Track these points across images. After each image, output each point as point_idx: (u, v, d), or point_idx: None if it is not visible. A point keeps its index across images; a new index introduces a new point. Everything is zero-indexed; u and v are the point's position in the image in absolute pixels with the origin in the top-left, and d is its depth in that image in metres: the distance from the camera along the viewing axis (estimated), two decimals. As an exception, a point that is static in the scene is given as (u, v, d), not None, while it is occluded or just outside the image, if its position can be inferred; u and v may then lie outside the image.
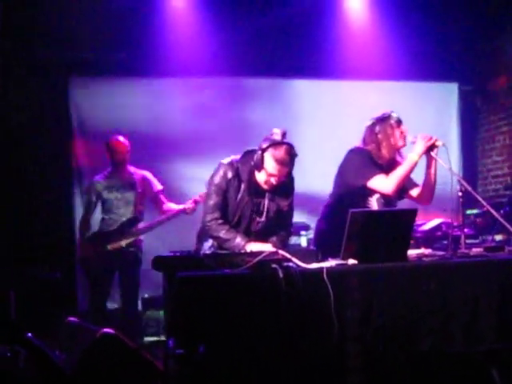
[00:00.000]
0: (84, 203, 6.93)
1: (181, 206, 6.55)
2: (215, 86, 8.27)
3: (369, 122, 5.02)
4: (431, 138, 4.77)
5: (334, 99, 8.53)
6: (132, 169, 6.74)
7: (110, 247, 6.44)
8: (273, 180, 4.39)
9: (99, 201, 6.68)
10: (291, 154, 4.34)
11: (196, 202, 6.44)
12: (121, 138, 6.67)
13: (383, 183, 4.83)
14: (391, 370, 3.81)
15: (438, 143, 4.78)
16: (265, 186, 4.45)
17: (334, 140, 7.57)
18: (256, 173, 4.42)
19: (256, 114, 8.12)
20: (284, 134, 4.36)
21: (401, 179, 4.83)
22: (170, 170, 7.92)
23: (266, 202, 4.53)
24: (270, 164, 4.33)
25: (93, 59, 7.68)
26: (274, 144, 4.32)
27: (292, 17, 7.75)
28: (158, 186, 6.76)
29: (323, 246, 4.39)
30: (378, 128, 4.94)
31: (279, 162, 4.31)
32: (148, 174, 6.78)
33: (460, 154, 9.10)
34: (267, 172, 4.37)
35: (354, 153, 4.99)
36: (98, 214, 6.75)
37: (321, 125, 8.42)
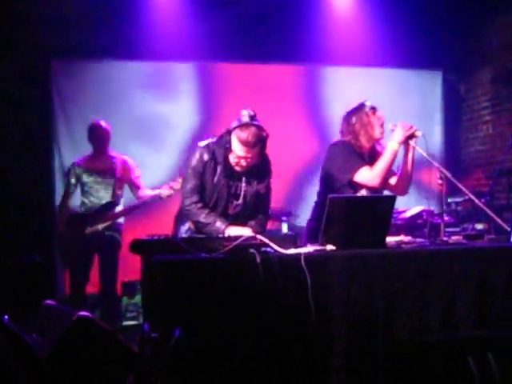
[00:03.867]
0: (64, 186, 6.92)
1: (156, 192, 6.52)
2: (198, 70, 8.29)
3: (344, 114, 5.01)
4: (411, 128, 4.75)
5: (317, 84, 8.52)
6: (113, 153, 6.74)
7: (87, 230, 6.43)
8: (242, 162, 4.40)
9: (79, 184, 6.67)
10: (258, 136, 4.33)
11: (172, 188, 6.40)
12: (102, 123, 6.68)
13: (368, 176, 4.81)
14: (372, 357, 3.81)
15: (418, 133, 4.76)
16: (237, 168, 4.46)
17: (319, 124, 7.56)
18: (229, 155, 4.43)
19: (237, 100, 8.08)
20: (252, 116, 4.35)
21: (385, 170, 4.81)
22: (151, 155, 7.91)
23: (243, 185, 4.53)
24: (237, 146, 4.35)
25: (76, 43, 7.61)
26: (240, 126, 4.33)
27: (275, 3, 7.71)
28: (137, 173, 6.77)
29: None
30: (354, 118, 4.91)
31: (244, 143, 4.32)
32: (129, 160, 6.78)
33: (443, 142, 9.10)
34: (235, 154, 4.38)
35: (336, 147, 4.96)
36: (78, 198, 6.73)
37: (305, 110, 8.38)
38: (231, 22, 7.70)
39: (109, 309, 6.56)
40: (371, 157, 4.93)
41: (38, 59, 7.62)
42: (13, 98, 7.45)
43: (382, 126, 4.93)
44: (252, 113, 4.36)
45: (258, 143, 4.35)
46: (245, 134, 4.30)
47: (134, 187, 6.75)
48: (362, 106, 4.93)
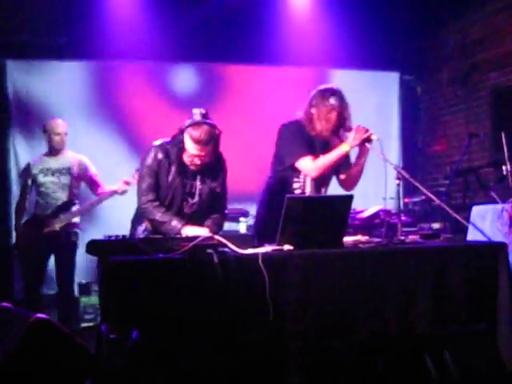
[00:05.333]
0: (20, 187, 6.85)
1: (113, 187, 6.52)
2: (154, 70, 8.30)
3: (310, 94, 4.90)
4: (367, 131, 4.73)
5: (276, 85, 8.56)
6: (69, 152, 6.69)
7: (45, 230, 6.38)
8: (196, 160, 4.41)
9: (34, 184, 6.61)
10: (211, 134, 4.34)
11: (127, 183, 6.42)
12: (59, 121, 6.64)
13: (308, 166, 4.77)
14: (329, 357, 3.86)
15: (373, 137, 4.73)
16: (191, 167, 4.47)
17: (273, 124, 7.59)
18: (183, 154, 4.43)
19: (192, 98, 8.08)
20: (204, 114, 4.37)
21: (326, 166, 4.79)
22: (109, 152, 7.91)
23: (198, 183, 4.54)
24: (189, 144, 4.36)
25: (32, 42, 7.58)
26: (192, 124, 4.34)
27: (234, 4, 7.73)
28: (94, 170, 6.73)
29: (262, 230, 4.44)
30: (314, 107, 4.83)
31: (196, 141, 4.32)
32: (84, 158, 6.73)
33: (400, 143, 9.18)
34: (189, 152, 4.39)
35: (285, 128, 4.90)
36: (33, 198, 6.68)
37: (262, 110, 8.42)
38: (192, 22, 7.70)
39: (66, 310, 6.51)
40: (325, 145, 4.88)
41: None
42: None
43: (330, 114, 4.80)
44: (203, 111, 4.37)
45: (211, 141, 4.36)
46: (197, 133, 4.31)
47: (93, 185, 6.71)
48: (326, 95, 4.82)
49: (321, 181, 4.89)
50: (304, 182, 4.83)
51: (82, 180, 6.68)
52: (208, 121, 4.37)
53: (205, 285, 3.56)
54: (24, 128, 7.78)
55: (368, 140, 4.75)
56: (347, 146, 4.76)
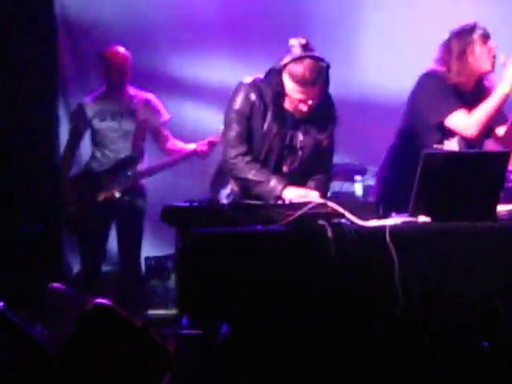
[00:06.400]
0: (69, 131, 6.85)
1: (192, 146, 6.49)
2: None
3: (446, 37, 4.91)
4: None
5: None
6: (132, 90, 6.64)
7: (100, 197, 6.42)
8: (302, 106, 4.35)
9: (88, 130, 6.64)
10: (317, 69, 4.28)
11: (211, 144, 6.36)
12: (120, 49, 6.58)
13: (464, 122, 4.76)
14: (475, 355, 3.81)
15: None
16: (297, 115, 4.42)
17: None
18: (284, 100, 4.39)
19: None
20: (305, 45, 4.30)
21: (487, 118, 4.75)
22: (182, 95, 7.82)
23: (300, 134, 4.49)
24: (291, 87, 4.30)
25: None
26: (292, 61, 4.27)
27: None
28: (165, 116, 6.68)
29: (387, 200, 4.31)
30: (456, 45, 4.84)
31: (301, 82, 4.26)
32: (153, 98, 6.68)
33: None
34: (291, 97, 4.34)
35: (429, 78, 4.90)
36: (87, 150, 6.72)
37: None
38: None
39: (131, 294, 6.51)
40: (475, 96, 4.88)
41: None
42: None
43: (492, 60, 4.83)
44: (304, 41, 4.31)
45: (319, 79, 4.30)
46: (299, 70, 4.24)
47: (161, 137, 6.67)
48: (470, 29, 4.82)
49: (471, 146, 4.87)
50: (450, 145, 4.85)
51: (149, 128, 6.62)
52: (312, 53, 4.30)
53: (316, 266, 3.57)
54: (75, 59, 7.79)
55: None
56: (506, 86, 4.69)
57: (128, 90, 6.62)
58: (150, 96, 6.68)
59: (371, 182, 6.40)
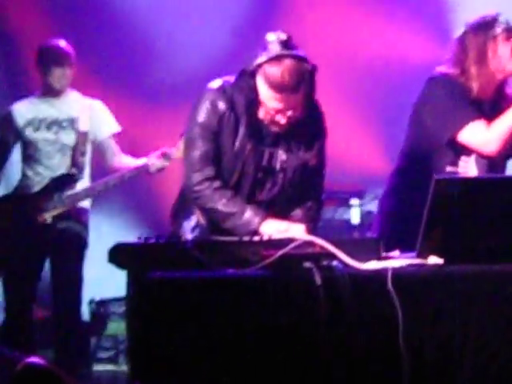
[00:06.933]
0: None
1: (142, 161, 6.42)
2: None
3: (460, 31, 4.87)
4: None
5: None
6: (74, 95, 6.60)
7: (29, 225, 6.30)
8: (279, 118, 4.24)
9: (19, 142, 6.57)
10: (299, 72, 4.15)
11: (165, 156, 6.31)
12: (61, 43, 6.51)
13: (482, 137, 4.69)
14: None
15: None
16: (274, 128, 4.31)
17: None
18: (258, 109, 4.30)
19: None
20: (285, 42, 4.15)
21: (511, 131, 4.67)
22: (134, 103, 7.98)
23: (281, 152, 4.38)
24: (266, 93, 4.19)
25: None
26: (268, 60, 4.15)
27: None
28: (114, 127, 6.65)
29: (390, 236, 4.25)
30: (471, 41, 4.77)
31: (278, 87, 4.14)
32: (100, 105, 6.65)
33: None
34: (266, 106, 4.24)
35: (439, 83, 4.83)
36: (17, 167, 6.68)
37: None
38: None
39: (68, 346, 6.40)
40: (495, 105, 4.84)
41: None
42: None
43: None
44: (284, 36, 4.20)
45: (301, 84, 4.18)
46: (276, 72, 4.12)
47: (107, 152, 6.64)
48: (490, 22, 4.74)
49: (492, 166, 4.81)
50: (466, 166, 4.80)
51: (93, 140, 6.58)
52: (293, 52, 4.17)
53: (299, 321, 3.46)
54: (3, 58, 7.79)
55: None
56: None
57: (70, 94, 6.57)
58: (96, 102, 6.64)
59: (371, 206, 6.34)
